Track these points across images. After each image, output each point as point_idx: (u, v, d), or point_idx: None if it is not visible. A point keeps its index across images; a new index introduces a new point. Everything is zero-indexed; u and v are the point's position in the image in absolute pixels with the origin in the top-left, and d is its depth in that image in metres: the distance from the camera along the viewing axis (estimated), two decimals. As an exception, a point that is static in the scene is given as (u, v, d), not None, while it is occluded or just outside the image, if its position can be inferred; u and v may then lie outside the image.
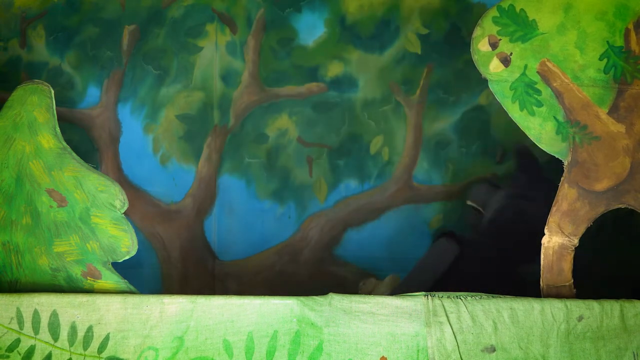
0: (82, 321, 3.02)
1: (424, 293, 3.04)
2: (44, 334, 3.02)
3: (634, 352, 2.98)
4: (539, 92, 3.11)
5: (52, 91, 3.17)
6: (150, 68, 4.24)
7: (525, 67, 3.11)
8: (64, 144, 3.15)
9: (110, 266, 3.13)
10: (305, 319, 3.00)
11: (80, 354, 3.01)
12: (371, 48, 4.26)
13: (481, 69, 3.13)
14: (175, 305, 3.03)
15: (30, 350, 3.01)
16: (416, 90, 4.25)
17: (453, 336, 2.98)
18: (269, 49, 4.26)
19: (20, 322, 3.02)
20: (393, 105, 4.25)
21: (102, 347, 3.02)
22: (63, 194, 3.11)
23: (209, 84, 4.26)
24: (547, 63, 3.11)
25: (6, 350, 3.01)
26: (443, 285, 3.52)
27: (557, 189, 3.13)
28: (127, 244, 3.12)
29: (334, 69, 4.26)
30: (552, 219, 3.12)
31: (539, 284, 3.14)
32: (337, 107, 4.26)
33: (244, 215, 4.26)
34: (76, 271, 3.12)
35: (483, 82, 3.16)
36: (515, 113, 3.13)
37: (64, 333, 3.02)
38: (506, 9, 3.11)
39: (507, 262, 3.85)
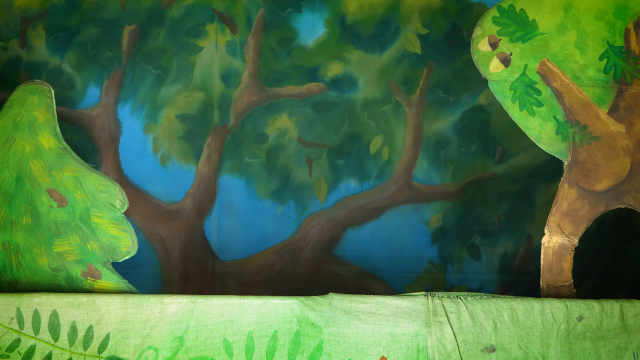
0: (82, 321, 3.02)
1: (424, 293, 3.04)
2: (44, 333, 3.02)
3: (634, 352, 2.99)
4: (539, 92, 3.11)
5: (52, 91, 3.17)
6: (150, 68, 4.24)
7: (525, 67, 3.11)
8: (64, 144, 3.15)
9: (110, 266, 3.13)
10: (305, 319, 3.01)
11: (81, 354, 3.02)
12: (371, 48, 4.26)
13: (481, 69, 3.13)
14: (175, 305, 3.03)
15: (31, 350, 3.01)
16: (416, 90, 4.25)
17: (453, 336, 2.98)
18: (269, 49, 4.25)
19: (21, 322, 3.02)
20: (393, 105, 4.25)
21: (102, 347, 3.02)
22: (63, 194, 3.11)
23: (209, 84, 4.26)
24: (547, 63, 3.11)
25: (6, 350, 3.01)
26: None
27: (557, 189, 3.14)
28: (127, 244, 3.12)
29: (334, 69, 4.26)
30: (552, 219, 3.12)
31: (539, 284, 3.15)
32: (337, 107, 4.26)
33: (244, 215, 4.26)
34: (76, 271, 3.12)
35: (483, 82, 3.17)
36: (515, 113, 3.13)
37: (64, 333, 3.02)
38: (506, 9, 3.11)
39: None
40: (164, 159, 4.24)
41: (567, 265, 3.12)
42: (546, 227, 3.13)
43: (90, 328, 3.02)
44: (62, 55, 4.24)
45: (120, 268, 3.17)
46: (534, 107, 3.12)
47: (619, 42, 3.10)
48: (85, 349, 3.02)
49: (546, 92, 3.12)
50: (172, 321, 3.02)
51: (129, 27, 4.24)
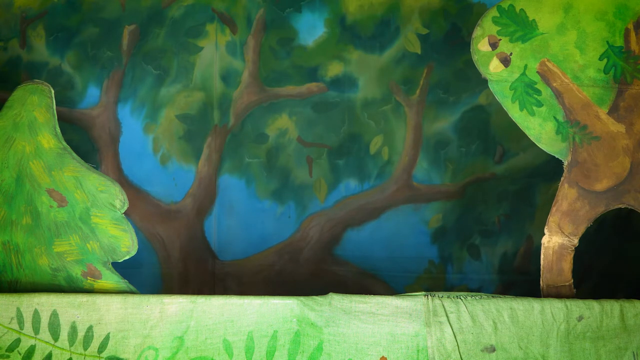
0: (82, 321, 3.02)
1: (424, 293, 3.04)
2: (44, 333, 3.02)
3: (633, 352, 2.99)
4: (539, 92, 3.11)
5: (52, 91, 3.17)
6: (150, 68, 4.24)
7: (525, 67, 3.11)
8: (64, 144, 3.15)
9: (110, 266, 3.13)
10: (305, 319, 3.01)
11: (81, 354, 3.02)
12: (371, 48, 4.26)
13: (481, 69, 3.13)
14: (175, 305, 3.03)
15: (31, 350, 3.01)
16: (416, 90, 4.25)
17: (453, 336, 2.98)
18: (269, 49, 4.25)
19: (21, 322, 3.02)
20: (393, 105, 4.25)
21: (102, 346, 3.02)
22: (63, 194, 3.11)
23: (209, 84, 4.26)
24: (547, 63, 3.11)
25: (6, 350, 3.01)
26: None
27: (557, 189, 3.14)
28: (127, 244, 3.12)
29: (334, 69, 4.26)
30: (552, 219, 3.12)
31: (539, 284, 3.15)
32: (337, 107, 4.26)
33: (244, 215, 4.26)
34: (76, 271, 3.12)
35: (483, 82, 3.17)
36: (515, 113, 3.13)
37: (64, 333, 3.02)
38: (506, 9, 3.11)
39: None
40: (164, 159, 4.24)
41: (567, 265, 3.12)
42: (546, 227, 3.13)
43: (90, 328, 3.02)
44: (62, 55, 4.24)
45: (120, 268, 3.17)
46: (534, 107, 3.12)
47: (619, 42, 3.10)
48: (85, 349, 3.02)
49: (546, 92, 3.12)
50: (172, 321, 3.02)
51: (129, 27, 4.24)
